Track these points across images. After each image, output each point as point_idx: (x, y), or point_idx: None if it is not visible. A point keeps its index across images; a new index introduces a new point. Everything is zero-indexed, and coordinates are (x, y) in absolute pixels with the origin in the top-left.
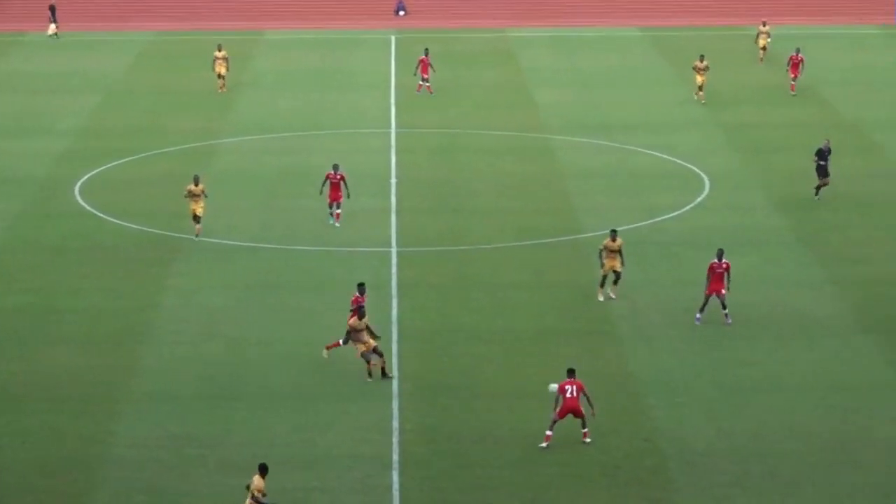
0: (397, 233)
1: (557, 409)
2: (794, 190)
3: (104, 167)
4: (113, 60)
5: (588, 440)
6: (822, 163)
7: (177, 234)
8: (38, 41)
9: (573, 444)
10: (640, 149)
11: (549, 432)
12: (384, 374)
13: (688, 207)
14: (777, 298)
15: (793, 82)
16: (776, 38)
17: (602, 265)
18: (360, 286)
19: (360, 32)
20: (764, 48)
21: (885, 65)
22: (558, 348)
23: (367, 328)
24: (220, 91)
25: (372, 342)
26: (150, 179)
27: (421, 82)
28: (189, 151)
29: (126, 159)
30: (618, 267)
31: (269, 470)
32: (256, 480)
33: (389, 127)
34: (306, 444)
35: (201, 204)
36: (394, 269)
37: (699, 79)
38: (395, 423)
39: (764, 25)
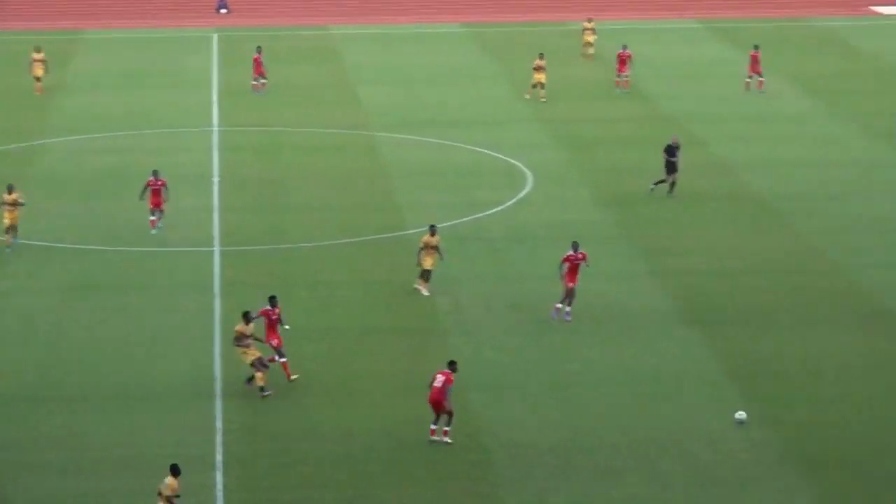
0: (220, 232)
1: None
2: (617, 185)
3: None
4: None
5: (448, 440)
6: (672, 159)
7: None
8: None
9: (398, 438)
10: (463, 145)
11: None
12: (288, 378)
13: (511, 203)
14: (599, 291)
15: (618, 79)
16: (602, 33)
17: (420, 261)
18: (272, 298)
19: (182, 31)
20: (589, 44)
21: (705, 59)
22: (383, 345)
23: (269, 333)
24: (37, 93)
25: (256, 352)
26: None
27: (254, 81)
28: (6, 154)
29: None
30: (428, 265)
31: (87, 472)
32: (169, 481)
33: (212, 125)
34: (128, 446)
35: (15, 214)
36: (217, 269)
37: (539, 77)
38: (219, 423)
39: (589, 22)
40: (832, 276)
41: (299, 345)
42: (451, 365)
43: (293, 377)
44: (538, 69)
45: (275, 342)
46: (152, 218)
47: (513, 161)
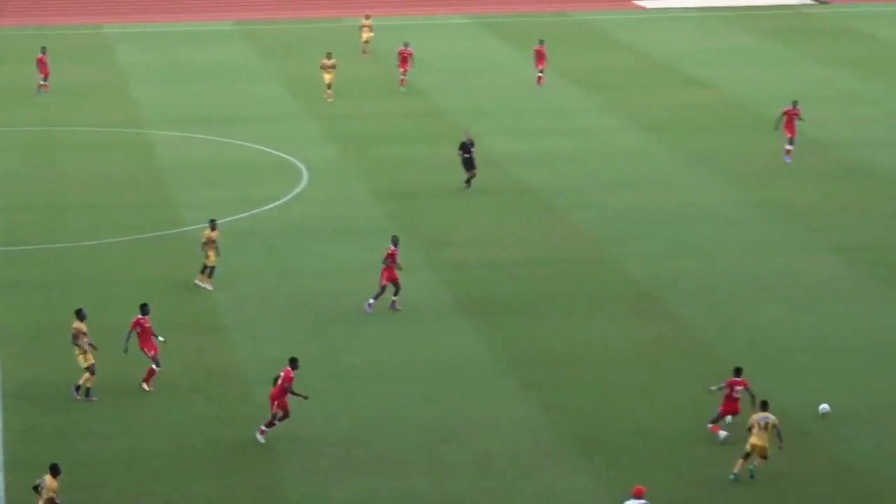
0: None
1: None
2: (392, 179)
3: None
4: None
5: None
6: (466, 155)
7: None
8: None
9: (181, 434)
10: (239, 141)
11: None
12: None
13: (287, 198)
14: (377, 284)
15: (402, 77)
16: (377, 29)
17: (206, 256)
18: (143, 307)
19: None
20: (367, 41)
21: (476, 54)
22: (165, 342)
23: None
24: None
25: (91, 359)
26: None
27: (42, 82)
28: None
29: None
30: (212, 261)
31: None
32: (49, 481)
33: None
34: None
35: None
36: None
37: (327, 77)
38: (0, 424)
39: (367, 18)
40: (604, 264)
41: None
42: (292, 362)
43: (149, 388)
44: (326, 68)
45: (150, 352)
46: None
47: (288, 157)
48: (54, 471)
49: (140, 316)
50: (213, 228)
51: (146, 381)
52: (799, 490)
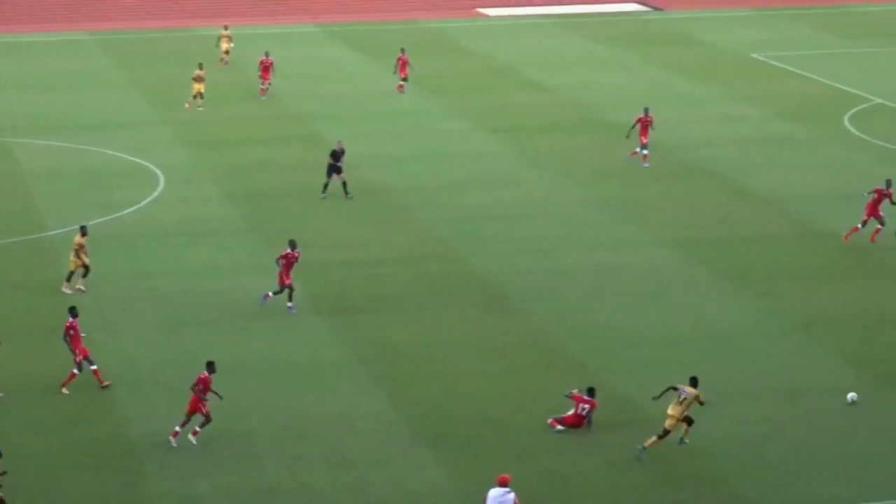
0: None
1: None
2: (244, 181)
3: None
4: None
5: (193, 440)
6: (337, 163)
7: None
8: None
9: (48, 438)
10: (96, 148)
11: None
12: None
13: (145, 202)
14: (233, 284)
15: (262, 86)
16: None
17: (75, 261)
18: (72, 309)
19: None
20: (227, 51)
21: (326, 60)
22: (23, 344)
23: None
24: None
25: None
26: None
27: None
28: None
29: None
30: (87, 261)
31: None
32: None
33: None
34: None
35: None
36: None
37: (198, 87)
38: None
39: (226, 29)
40: (452, 263)
41: None
42: (209, 366)
43: (105, 383)
44: (197, 79)
45: (80, 356)
46: None
47: (143, 162)
48: None
49: (71, 319)
50: (83, 234)
51: (100, 380)
52: (648, 473)
